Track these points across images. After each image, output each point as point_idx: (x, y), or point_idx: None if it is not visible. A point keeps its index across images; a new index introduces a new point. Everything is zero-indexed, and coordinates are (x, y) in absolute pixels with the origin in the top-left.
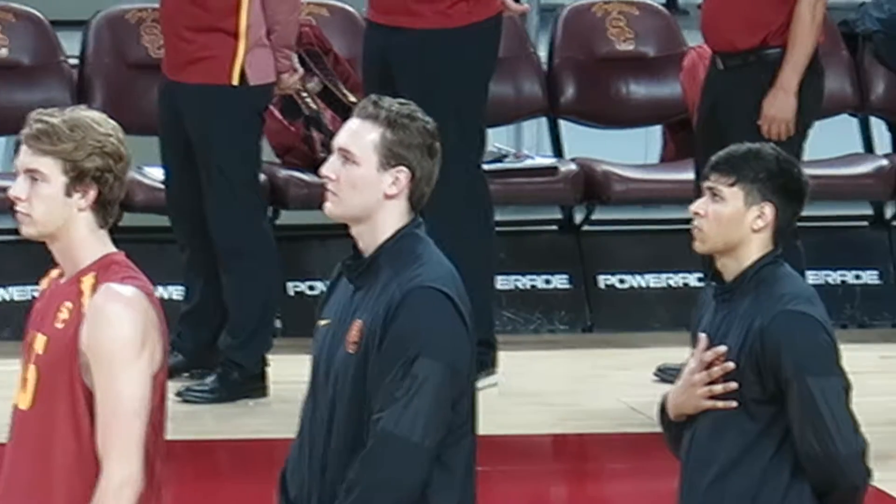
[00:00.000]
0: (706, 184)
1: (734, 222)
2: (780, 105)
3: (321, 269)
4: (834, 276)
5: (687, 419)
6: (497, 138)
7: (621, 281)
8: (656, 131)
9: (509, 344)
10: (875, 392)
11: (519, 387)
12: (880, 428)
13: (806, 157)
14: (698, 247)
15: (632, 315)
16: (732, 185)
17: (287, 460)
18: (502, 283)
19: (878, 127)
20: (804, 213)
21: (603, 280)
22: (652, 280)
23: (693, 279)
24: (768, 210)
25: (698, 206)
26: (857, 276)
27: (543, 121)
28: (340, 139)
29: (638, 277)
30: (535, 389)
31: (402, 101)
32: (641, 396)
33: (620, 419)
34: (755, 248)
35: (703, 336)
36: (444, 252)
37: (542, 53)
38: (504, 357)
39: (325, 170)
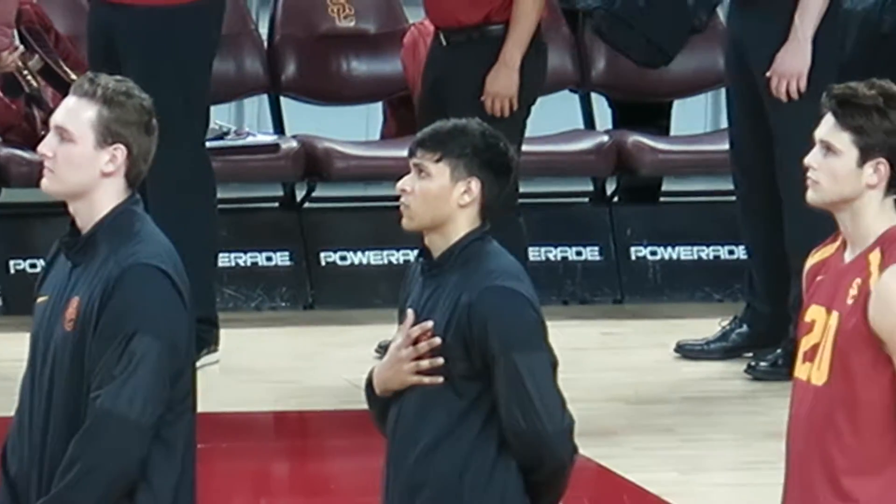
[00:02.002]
0: (413, 160)
1: (441, 198)
2: (502, 81)
3: (43, 246)
4: (555, 253)
5: (393, 395)
6: (219, 115)
7: (342, 258)
8: (377, 108)
9: (231, 321)
10: (597, 368)
11: (240, 364)
12: (602, 404)
13: (528, 133)
14: (406, 224)
15: (353, 292)
16: (438, 160)
17: (7, 438)
18: (224, 260)
19: (599, 103)
20: (526, 189)
21: (324, 257)
22: (373, 257)
23: (414, 256)
24: (475, 185)
25: (405, 182)
26: (579, 253)
27: (265, 98)
28: (57, 117)
29: (359, 254)
30: (257, 366)
31: (119, 78)
32: (363, 373)
33: (342, 396)
34: (462, 223)
35: (410, 312)
36: (167, 229)
37: (263, 31)
38: (225, 334)
39: (43, 147)
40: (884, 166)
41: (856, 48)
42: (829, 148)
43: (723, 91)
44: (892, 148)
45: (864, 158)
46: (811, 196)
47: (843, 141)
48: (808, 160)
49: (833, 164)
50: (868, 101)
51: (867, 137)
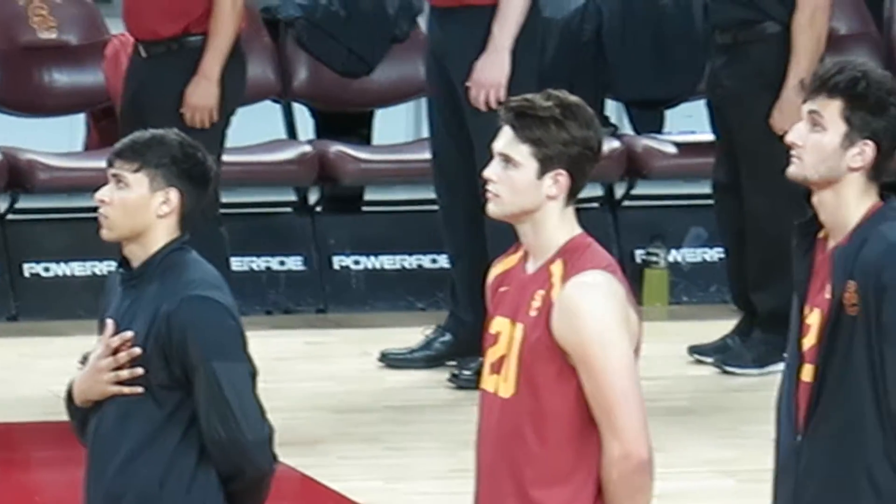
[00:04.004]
0: (111, 171)
1: (140, 209)
2: (202, 93)
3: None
4: (259, 263)
5: (94, 405)
6: None
7: (46, 269)
8: (80, 119)
9: None
10: (301, 377)
11: None
12: (306, 413)
13: (230, 143)
14: (105, 234)
15: (57, 303)
16: (137, 171)
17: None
18: None
19: (301, 113)
20: (228, 199)
21: (28, 269)
22: (77, 268)
23: None
24: (173, 195)
25: (103, 193)
26: (282, 262)
27: None
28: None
29: (63, 266)
30: None
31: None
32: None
33: (46, 407)
34: (161, 234)
35: (109, 322)
36: None
37: None
38: None
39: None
40: (563, 178)
41: (556, 57)
42: (508, 160)
43: (424, 100)
44: (570, 159)
45: (543, 170)
46: (492, 209)
47: (522, 153)
48: (487, 173)
49: (513, 177)
50: (545, 112)
51: (545, 149)
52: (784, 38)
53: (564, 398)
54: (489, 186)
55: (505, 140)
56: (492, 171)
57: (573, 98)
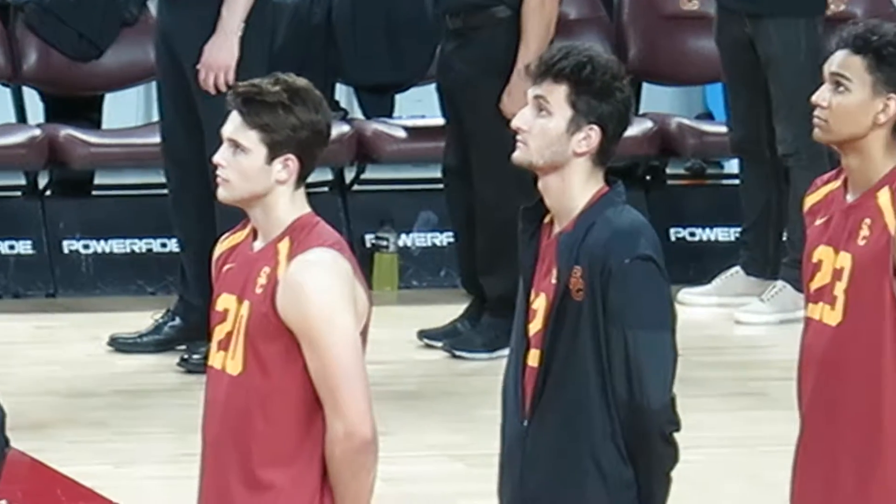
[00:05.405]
0: None
1: None
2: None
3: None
4: None
5: None
6: None
7: None
8: None
9: None
10: (30, 362)
11: None
12: (35, 398)
13: None
14: None
15: None
16: None
17: None
18: None
19: (31, 97)
20: None
21: None
22: None
23: None
24: None
25: None
26: (11, 247)
27: None
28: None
29: None
30: None
31: None
32: None
33: None
34: None
35: None
36: None
37: None
38: None
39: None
40: (292, 162)
41: (286, 40)
42: (237, 146)
43: (154, 84)
44: (299, 143)
45: (272, 155)
46: (222, 194)
47: (251, 139)
48: (216, 158)
49: (242, 162)
50: (273, 98)
51: (274, 134)
52: (514, 23)
53: (291, 377)
54: (219, 172)
55: (233, 126)
56: (221, 157)
57: (301, 82)
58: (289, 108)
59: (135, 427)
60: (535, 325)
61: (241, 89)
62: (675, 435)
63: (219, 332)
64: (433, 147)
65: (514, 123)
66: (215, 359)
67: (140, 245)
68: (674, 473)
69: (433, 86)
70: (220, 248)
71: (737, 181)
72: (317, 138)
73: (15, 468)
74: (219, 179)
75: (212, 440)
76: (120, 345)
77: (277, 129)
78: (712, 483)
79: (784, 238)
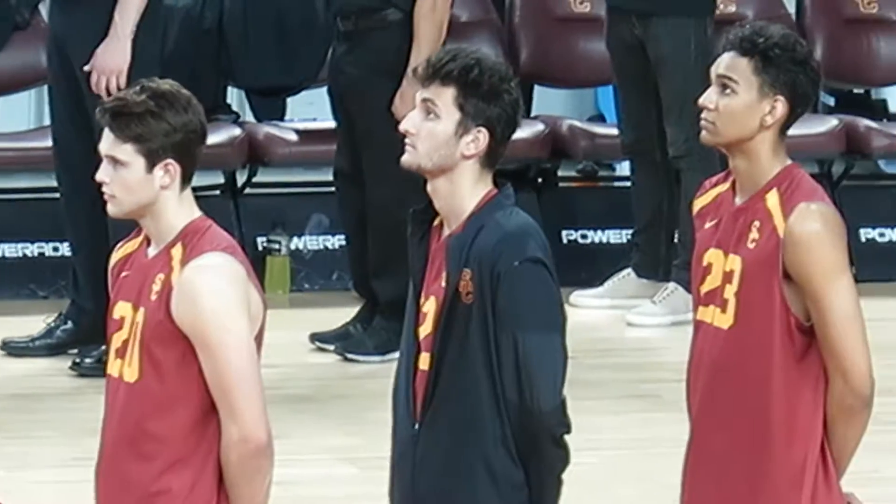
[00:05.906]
0: None
1: None
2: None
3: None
4: None
5: None
6: None
7: None
8: None
9: None
10: None
11: None
12: None
13: None
14: None
15: None
16: None
17: None
18: None
19: None
20: None
21: None
22: None
23: None
24: None
25: None
26: None
27: None
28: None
29: None
30: None
31: None
32: None
33: None
34: None
35: None
36: None
37: None
38: None
39: None
40: (173, 166)
41: (178, 44)
42: (115, 161)
43: (45, 88)
44: (176, 146)
45: (151, 164)
46: (111, 210)
47: (127, 152)
48: (99, 176)
49: (124, 176)
50: (139, 107)
51: (149, 143)
52: (406, 26)
53: (187, 382)
54: (104, 189)
55: (108, 142)
56: (103, 174)
57: (166, 85)
58: (157, 114)
59: (27, 431)
60: (426, 329)
61: (108, 105)
62: (568, 437)
63: (116, 340)
64: (325, 150)
65: (403, 126)
66: (113, 367)
67: (32, 249)
68: (568, 475)
69: (325, 89)
70: (116, 256)
71: (628, 183)
72: (192, 138)
73: None
74: (105, 196)
75: (109, 446)
76: (11, 349)
77: (151, 137)
78: (606, 485)
79: (675, 240)
